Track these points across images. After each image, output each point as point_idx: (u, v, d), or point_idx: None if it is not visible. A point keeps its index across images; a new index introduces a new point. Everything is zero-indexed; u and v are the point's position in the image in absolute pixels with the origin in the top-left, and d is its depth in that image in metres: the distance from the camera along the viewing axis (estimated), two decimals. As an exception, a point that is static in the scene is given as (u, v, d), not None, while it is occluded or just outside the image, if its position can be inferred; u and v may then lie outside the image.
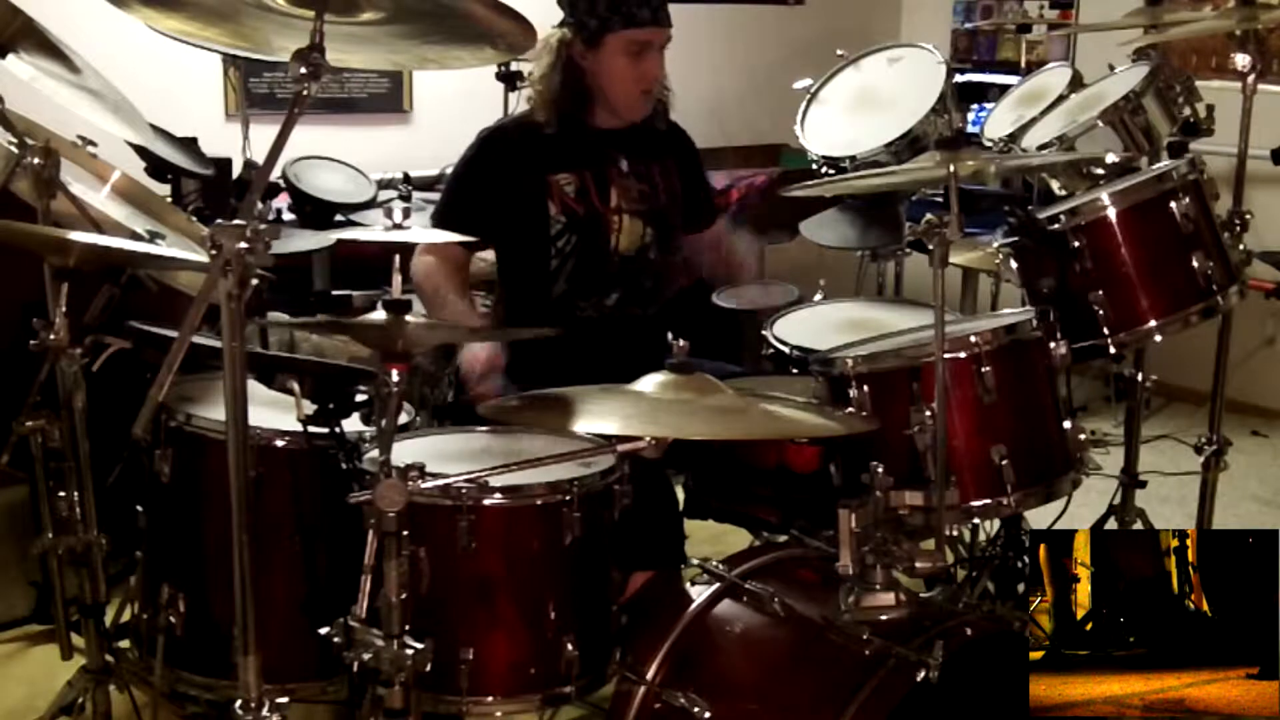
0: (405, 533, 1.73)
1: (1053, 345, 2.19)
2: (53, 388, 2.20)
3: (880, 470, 1.91)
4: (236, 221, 1.54)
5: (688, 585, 2.12)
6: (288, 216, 3.82)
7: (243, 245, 1.54)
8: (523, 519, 1.96)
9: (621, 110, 2.72)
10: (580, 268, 2.71)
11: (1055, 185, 3.21)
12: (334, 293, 3.78)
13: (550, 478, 1.95)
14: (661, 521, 2.52)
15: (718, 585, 2.07)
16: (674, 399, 1.88)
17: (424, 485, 1.75)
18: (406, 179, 4.22)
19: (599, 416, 1.89)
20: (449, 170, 4.19)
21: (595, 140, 2.73)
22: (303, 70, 1.59)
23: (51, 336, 2.13)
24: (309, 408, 1.93)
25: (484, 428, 2.24)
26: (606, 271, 2.74)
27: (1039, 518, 2.63)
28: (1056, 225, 2.31)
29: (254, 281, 1.58)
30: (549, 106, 2.71)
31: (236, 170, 3.72)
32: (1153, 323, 2.31)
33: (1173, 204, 2.31)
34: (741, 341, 3.88)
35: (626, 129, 2.75)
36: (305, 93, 1.60)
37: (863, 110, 3.54)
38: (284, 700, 1.72)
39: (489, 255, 2.92)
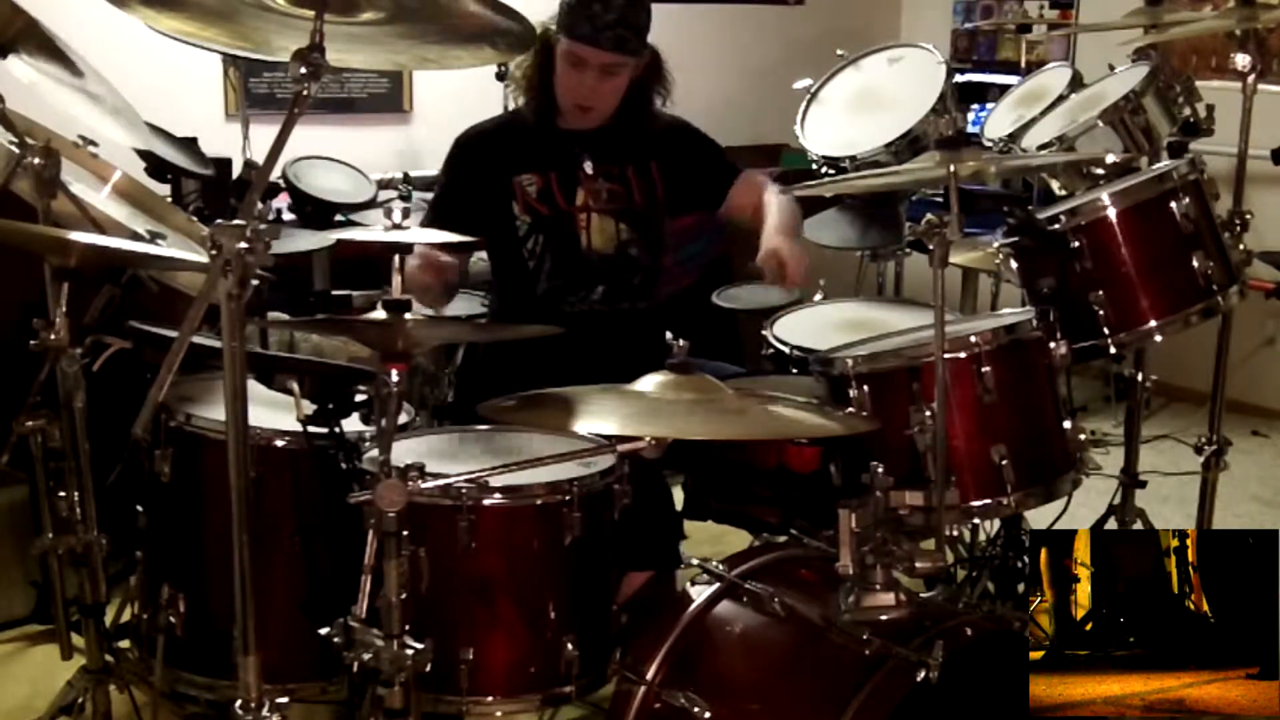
0: (405, 533, 1.73)
1: (1053, 345, 2.19)
2: (53, 388, 2.20)
3: (880, 470, 1.90)
4: (236, 221, 1.55)
5: (687, 585, 2.12)
6: (288, 216, 3.83)
7: (243, 245, 1.54)
8: (523, 519, 1.96)
9: (564, 111, 2.72)
10: (557, 266, 2.72)
11: (1055, 185, 3.21)
12: (334, 293, 3.78)
13: (550, 478, 1.95)
14: (656, 522, 2.52)
15: (718, 585, 2.07)
16: (674, 399, 1.88)
17: (424, 485, 1.75)
18: (406, 179, 4.23)
19: (599, 416, 1.89)
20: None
21: (562, 141, 2.73)
22: (303, 70, 1.59)
23: (51, 336, 2.13)
24: (309, 408, 1.93)
25: (484, 427, 2.24)
26: (585, 269, 2.73)
27: (1039, 518, 2.63)
28: (1056, 225, 2.31)
29: (254, 281, 1.58)
30: (525, 91, 2.72)
31: (236, 170, 3.72)
32: (1153, 323, 2.31)
33: (1173, 204, 2.31)
34: (741, 341, 3.89)
35: (595, 130, 2.74)
36: (305, 93, 1.60)
37: (863, 110, 3.54)
38: (284, 700, 1.72)
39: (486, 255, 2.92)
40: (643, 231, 2.78)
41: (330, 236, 3.49)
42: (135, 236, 2.69)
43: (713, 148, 2.90)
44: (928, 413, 2.00)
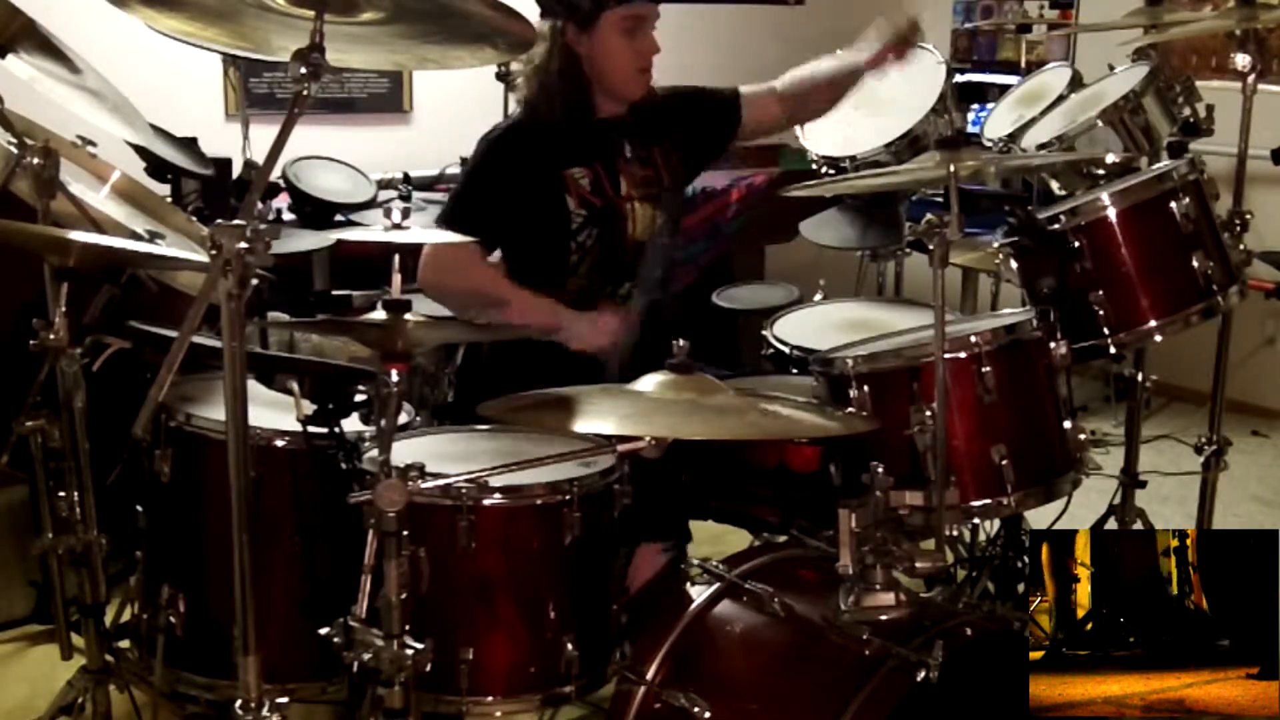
0: (405, 533, 1.73)
1: (1053, 345, 2.19)
2: (53, 388, 2.20)
3: (880, 470, 1.90)
4: (236, 221, 1.55)
5: (688, 585, 2.12)
6: (288, 216, 3.83)
7: (243, 245, 1.54)
8: (522, 519, 1.96)
9: (619, 91, 2.70)
10: (601, 259, 2.71)
11: (1055, 185, 3.21)
12: (334, 293, 3.77)
13: (550, 478, 1.95)
14: (663, 495, 2.50)
15: (718, 585, 2.07)
16: (674, 399, 1.88)
17: (424, 485, 1.75)
18: (406, 179, 4.23)
19: (599, 416, 1.89)
20: (449, 170, 4.21)
21: (600, 130, 2.72)
22: (303, 70, 1.60)
23: (51, 336, 2.13)
24: (309, 408, 1.93)
25: (484, 427, 2.24)
26: (624, 261, 2.73)
27: (1039, 518, 2.63)
28: (1056, 225, 2.31)
29: (254, 281, 1.58)
30: (550, 97, 2.69)
31: (236, 170, 3.72)
32: (1153, 323, 2.31)
33: (1173, 204, 2.31)
34: (741, 342, 3.89)
35: (627, 116, 2.74)
36: (305, 93, 1.61)
37: (863, 110, 3.54)
38: (284, 700, 1.72)
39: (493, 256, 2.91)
40: (670, 214, 2.79)
41: (330, 236, 3.49)
42: (135, 236, 2.69)
43: (697, 91, 2.91)
44: (928, 413, 2.00)
